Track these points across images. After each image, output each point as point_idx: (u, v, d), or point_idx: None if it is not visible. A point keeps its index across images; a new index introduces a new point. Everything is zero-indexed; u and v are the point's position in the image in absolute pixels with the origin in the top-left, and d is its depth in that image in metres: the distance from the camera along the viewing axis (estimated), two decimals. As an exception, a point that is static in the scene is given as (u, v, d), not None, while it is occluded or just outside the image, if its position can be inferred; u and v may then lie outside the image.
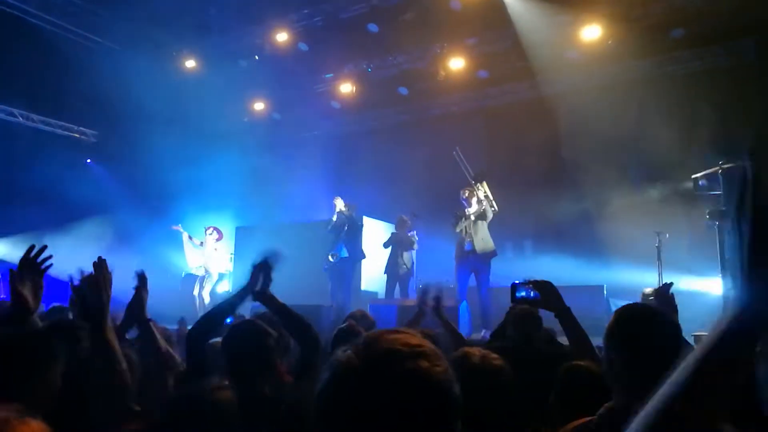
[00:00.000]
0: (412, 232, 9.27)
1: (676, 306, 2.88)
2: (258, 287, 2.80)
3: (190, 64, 12.01)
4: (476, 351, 2.08)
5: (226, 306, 2.82)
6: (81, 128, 13.09)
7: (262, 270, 2.80)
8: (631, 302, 2.01)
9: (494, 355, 2.07)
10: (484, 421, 1.81)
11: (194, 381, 2.21)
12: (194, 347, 2.67)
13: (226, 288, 10.76)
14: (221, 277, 10.70)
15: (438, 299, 3.98)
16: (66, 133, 12.86)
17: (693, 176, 7.30)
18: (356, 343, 0.98)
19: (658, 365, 1.63)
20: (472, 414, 1.91)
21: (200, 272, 10.42)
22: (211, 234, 10.59)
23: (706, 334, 0.80)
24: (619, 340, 1.78)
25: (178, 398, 1.90)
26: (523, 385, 2.23)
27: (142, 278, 2.94)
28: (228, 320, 3.20)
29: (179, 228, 10.92)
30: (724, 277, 6.55)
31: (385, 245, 9.28)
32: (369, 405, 0.90)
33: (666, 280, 6.95)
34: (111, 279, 2.30)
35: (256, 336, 2.53)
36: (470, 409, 1.87)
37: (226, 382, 2.46)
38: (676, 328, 1.83)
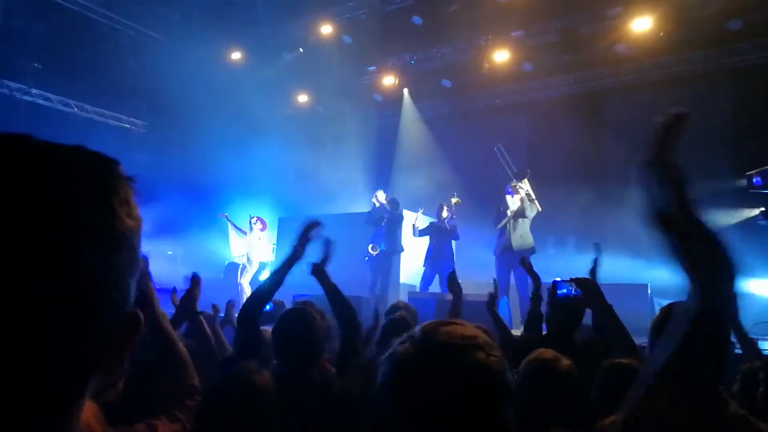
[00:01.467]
0: (452, 220, 8.85)
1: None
2: (318, 261, 2.85)
3: (236, 56, 12.21)
4: (549, 353, 2.11)
5: (275, 279, 2.83)
6: (132, 119, 13.49)
7: (324, 246, 2.86)
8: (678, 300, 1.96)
9: (565, 359, 2.13)
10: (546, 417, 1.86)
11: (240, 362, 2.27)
12: (246, 324, 2.70)
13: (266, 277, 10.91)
14: (262, 266, 10.84)
15: (492, 296, 3.93)
16: (117, 123, 13.27)
17: (747, 173, 7.05)
18: (413, 335, 1.01)
19: (703, 362, 1.62)
20: (536, 410, 1.94)
21: (243, 260, 10.60)
22: (255, 223, 10.76)
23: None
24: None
25: (218, 382, 1.95)
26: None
27: (194, 280, 3.07)
28: (267, 307, 3.26)
29: (225, 216, 11.13)
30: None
31: (421, 234, 9.02)
32: (428, 396, 0.93)
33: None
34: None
35: (309, 322, 2.56)
36: (535, 405, 1.89)
37: (275, 365, 2.53)
38: (729, 328, 1.79)
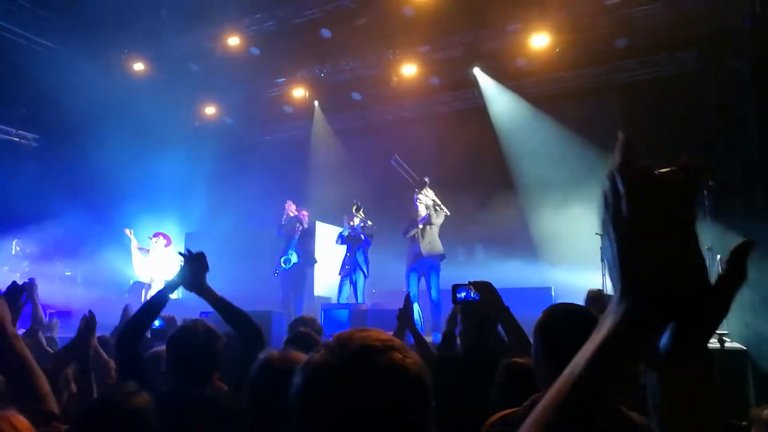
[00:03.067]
0: (367, 227, 8.88)
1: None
2: (191, 277, 2.69)
3: (139, 66, 11.74)
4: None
5: (155, 301, 2.72)
6: (21, 132, 12.61)
7: (195, 260, 2.71)
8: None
9: None
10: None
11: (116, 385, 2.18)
12: (126, 352, 2.57)
13: (174, 296, 10.50)
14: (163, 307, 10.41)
15: (405, 310, 3.92)
16: (4, 137, 12.36)
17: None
18: (327, 344, 0.99)
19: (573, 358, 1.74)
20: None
21: (147, 280, 10.14)
22: (157, 242, 10.32)
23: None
24: (542, 333, 1.89)
25: (93, 405, 1.86)
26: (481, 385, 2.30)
27: (87, 322, 3.05)
28: (156, 324, 3.13)
29: (130, 233, 10.58)
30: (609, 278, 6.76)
31: (338, 242, 8.99)
32: (347, 402, 0.91)
33: (608, 280, 7.17)
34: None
35: (203, 337, 2.48)
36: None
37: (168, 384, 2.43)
38: (594, 325, 1.92)
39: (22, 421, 1.09)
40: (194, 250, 2.74)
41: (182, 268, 2.69)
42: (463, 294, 3.01)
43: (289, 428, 0.96)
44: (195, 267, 2.69)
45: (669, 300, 0.67)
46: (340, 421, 0.91)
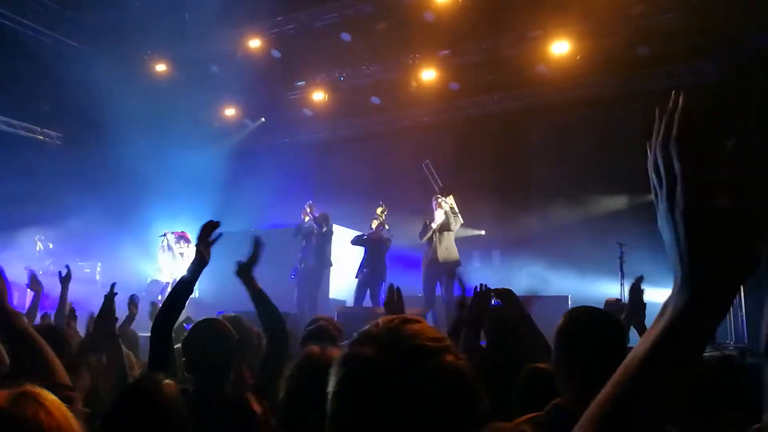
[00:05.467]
0: (386, 231, 8.91)
1: (644, 302, 2.91)
2: (245, 262, 2.72)
3: (161, 68, 11.88)
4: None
5: (182, 286, 2.70)
6: (46, 130, 12.82)
7: (253, 245, 2.75)
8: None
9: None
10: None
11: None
12: (158, 338, 2.56)
13: (192, 295, 10.61)
14: (191, 291, 10.55)
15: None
16: (30, 135, 12.57)
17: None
18: (370, 334, 0.94)
19: (600, 363, 1.71)
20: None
21: (169, 279, 10.26)
22: (179, 240, 10.48)
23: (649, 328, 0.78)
24: (564, 337, 1.86)
25: (124, 393, 1.89)
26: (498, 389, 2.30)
27: (108, 298, 3.07)
28: (186, 326, 3.14)
29: (166, 235, 10.80)
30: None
31: (353, 243, 9.04)
32: (394, 402, 0.87)
33: (627, 290, 7.11)
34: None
35: (218, 334, 2.49)
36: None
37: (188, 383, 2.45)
38: (619, 328, 1.91)
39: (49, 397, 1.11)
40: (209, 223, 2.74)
41: (252, 253, 2.74)
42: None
43: (328, 422, 0.92)
44: (252, 254, 2.73)
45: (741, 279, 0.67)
46: (388, 419, 0.87)
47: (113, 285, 3.22)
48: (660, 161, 0.70)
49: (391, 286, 3.47)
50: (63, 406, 1.12)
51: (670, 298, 0.73)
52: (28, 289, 4.78)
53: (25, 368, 1.69)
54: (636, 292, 2.93)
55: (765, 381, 0.76)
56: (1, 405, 1.05)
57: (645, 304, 2.90)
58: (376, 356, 0.90)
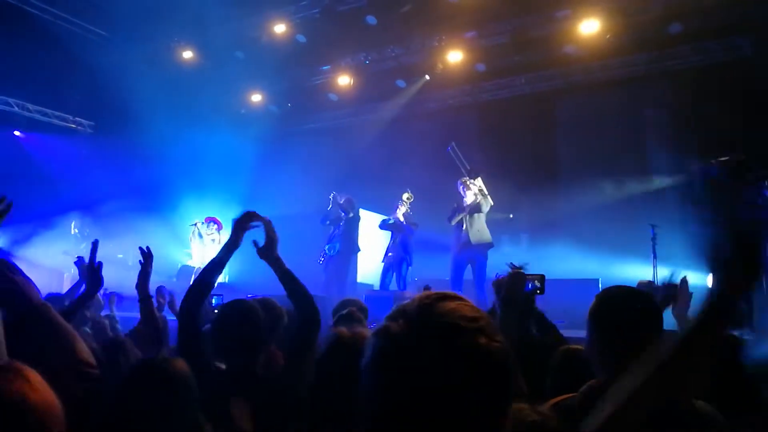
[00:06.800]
0: (409, 216, 8.94)
1: (689, 291, 2.82)
2: (262, 245, 2.70)
3: (188, 55, 11.98)
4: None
5: (212, 267, 2.72)
6: (78, 119, 13.06)
7: (265, 228, 2.72)
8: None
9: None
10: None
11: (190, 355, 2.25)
12: (187, 319, 2.58)
13: (221, 280, 10.77)
14: (221, 272, 10.71)
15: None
16: (62, 123, 12.83)
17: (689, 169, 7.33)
18: (406, 310, 0.93)
19: (633, 343, 1.69)
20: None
21: (199, 264, 10.43)
22: (209, 226, 10.63)
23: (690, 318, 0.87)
24: (598, 318, 1.84)
25: (135, 368, 1.94)
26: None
27: (146, 255, 3.18)
28: (214, 302, 3.17)
29: (196, 224, 10.98)
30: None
31: (381, 227, 9.09)
32: (419, 381, 0.86)
33: (660, 272, 6.99)
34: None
35: (248, 314, 2.51)
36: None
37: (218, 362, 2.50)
38: (654, 307, 1.88)
39: (33, 374, 1.14)
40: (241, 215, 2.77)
41: (233, 235, 2.72)
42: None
43: (360, 397, 0.92)
44: (273, 237, 2.72)
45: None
46: (412, 397, 0.86)
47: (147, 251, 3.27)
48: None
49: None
50: (47, 385, 1.15)
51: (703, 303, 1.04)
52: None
53: (53, 351, 1.78)
54: (682, 284, 2.83)
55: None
56: None
57: (691, 294, 2.82)
58: (404, 332, 0.89)
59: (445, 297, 0.94)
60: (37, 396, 1.10)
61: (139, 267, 3.19)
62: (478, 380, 0.87)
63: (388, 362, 0.89)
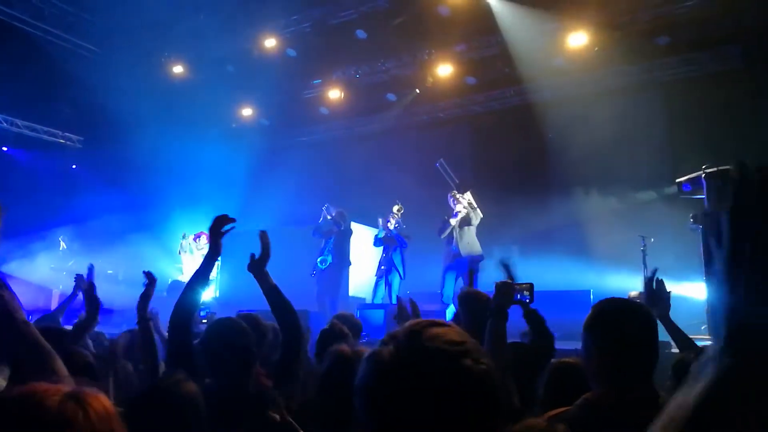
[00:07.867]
0: (402, 229, 8.94)
1: (667, 291, 2.81)
2: (256, 258, 2.68)
3: (178, 69, 11.98)
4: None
5: (196, 280, 2.68)
6: (67, 134, 13.00)
7: (260, 240, 2.71)
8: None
9: None
10: None
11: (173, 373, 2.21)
12: (177, 335, 2.55)
13: (211, 295, 10.70)
14: (209, 283, 10.64)
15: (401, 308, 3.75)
16: (51, 138, 12.76)
17: (677, 180, 7.38)
18: (396, 336, 0.97)
19: (631, 355, 1.70)
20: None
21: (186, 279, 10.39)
22: (199, 239, 10.58)
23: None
24: (594, 331, 1.83)
25: (144, 391, 1.91)
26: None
27: (150, 278, 3.23)
28: (202, 313, 3.15)
29: (188, 238, 10.94)
30: (707, 282, 6.59)
31: (375, 245, 9.09)
32: (407, 404, 0.90)
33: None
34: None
35: (237, 331, 2.48)
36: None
37: (208, 380, 2.46)
38: (650, 319, 1.87)
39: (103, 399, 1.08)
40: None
41: (212, 246, 2.70)
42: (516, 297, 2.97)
43: (357, 418, 0.96)
44: (262, 250, 2.69)
45: None
46: (402, 418, 0.90)
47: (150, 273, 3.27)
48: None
49: (399, 300, 3.50)
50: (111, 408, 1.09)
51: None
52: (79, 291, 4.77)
53: (31, 372, 1.75)
54: (658, 284, 2.83)
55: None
56: (49, 405, 1.01)
57: (669, 293, 2.81)
58: (394, 356, 0.93)
59: (433, 324, 0.98)
60: (102, 424, 1.02)
61: (128, 282, 3.18)
62: (464, 401, 0.90)
63: (378, 386, 0.94)
